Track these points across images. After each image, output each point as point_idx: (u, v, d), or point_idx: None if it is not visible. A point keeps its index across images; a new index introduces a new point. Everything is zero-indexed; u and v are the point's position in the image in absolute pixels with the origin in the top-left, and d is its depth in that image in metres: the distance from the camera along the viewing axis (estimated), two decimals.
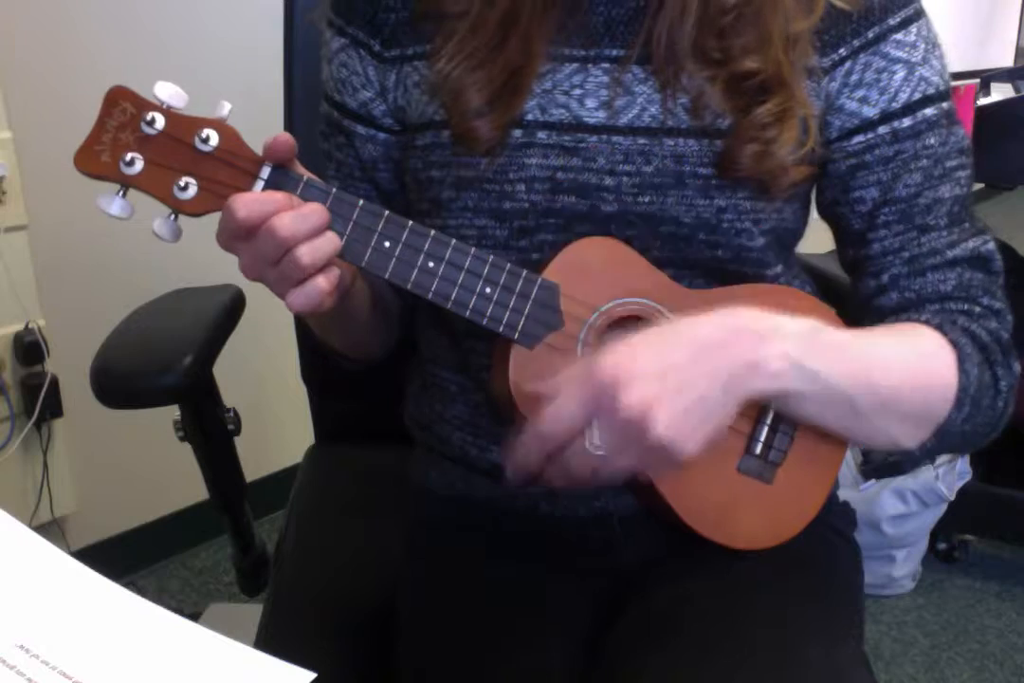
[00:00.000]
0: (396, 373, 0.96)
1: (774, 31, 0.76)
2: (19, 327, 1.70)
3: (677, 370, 0.64)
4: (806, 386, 0.69)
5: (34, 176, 1.65)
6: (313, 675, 0.45)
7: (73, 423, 1.81)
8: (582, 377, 0.65)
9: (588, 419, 0.64)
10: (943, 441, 0.77)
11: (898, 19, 0.78)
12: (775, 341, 0.67)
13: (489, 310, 0.74)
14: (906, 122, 0.79)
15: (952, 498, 1.93)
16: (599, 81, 0.78)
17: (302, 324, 1.07)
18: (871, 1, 0.78)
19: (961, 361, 0.75)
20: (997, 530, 2.13)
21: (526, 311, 0.74)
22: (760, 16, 0.76)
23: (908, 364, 0.75)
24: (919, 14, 0.80)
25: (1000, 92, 2.66)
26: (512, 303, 0.74)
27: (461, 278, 0.73)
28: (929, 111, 0.79)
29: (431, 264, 0.72)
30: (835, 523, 0.90)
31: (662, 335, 0.67)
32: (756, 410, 0.79)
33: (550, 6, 0.78)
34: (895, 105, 0.79)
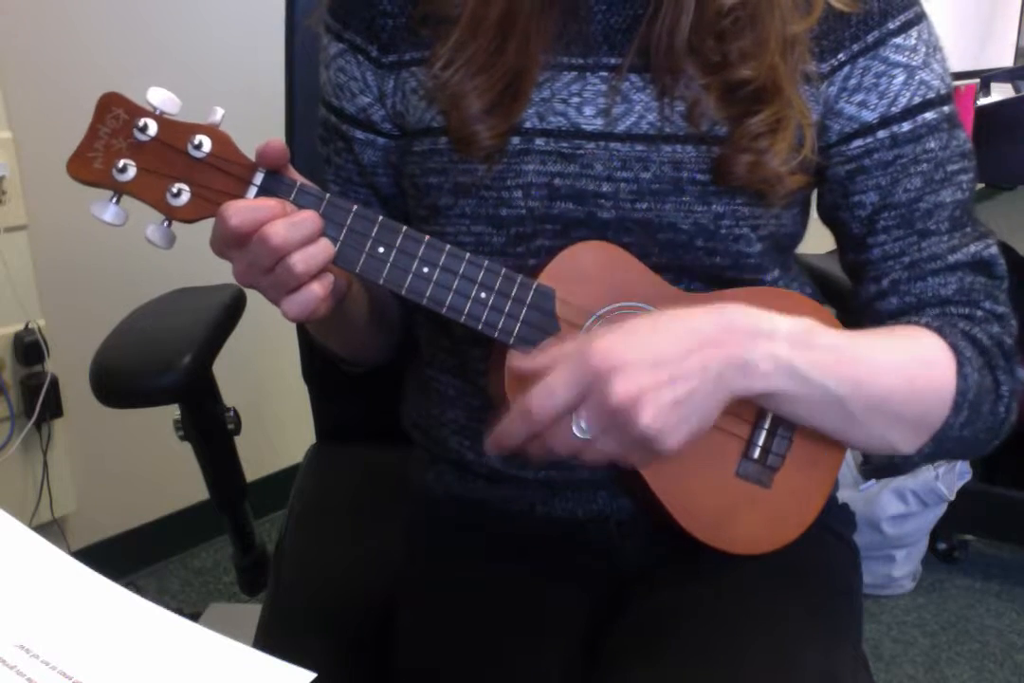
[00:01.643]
0: (398, 373, 0.96)
1: (771, 33, 0.75)
2: (19, 327, 1.70)
3: (668, 363, 0.64)
4: (796, 387, 0.68)
5: (34, 176, 1.65)
6: (313, 675, 0.46)
7: (73, 423, 1.81)
8: (574, 359, 0.65)
9: (576, 402, 0.64)
10: (941, 446, 0.76)
11: (898, 23, 0.78)
12: (767, 341, 0.67)
13: (484, 315, 0.73)
14: (906, 126, 0.79)
15: (952, 498, 1.92)
16: (597, 89, 0.78)
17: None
18: (871, 5, 0.78)
19: (960, 365, 0.74)
20: (997, 530, 2.13)
21: (521, 316, 0.74)
22: (757, 18, 0.75)
23: (904, 368, 0.74)
24: (919, 17, 0.79)
25: (1000, 92, 2.66)
26: (507, 308, 0.73)
27: (456, 283, 0.72)
28: (929, 115, 0.79)
29: (426, 269, 0.72)
30: (834, 525, 0.90)
31: (656, 325, 0.67)
32: (754, 415, 0.79)
33: (548, 6, 0.77)
34: (895, 109, 0.78)
